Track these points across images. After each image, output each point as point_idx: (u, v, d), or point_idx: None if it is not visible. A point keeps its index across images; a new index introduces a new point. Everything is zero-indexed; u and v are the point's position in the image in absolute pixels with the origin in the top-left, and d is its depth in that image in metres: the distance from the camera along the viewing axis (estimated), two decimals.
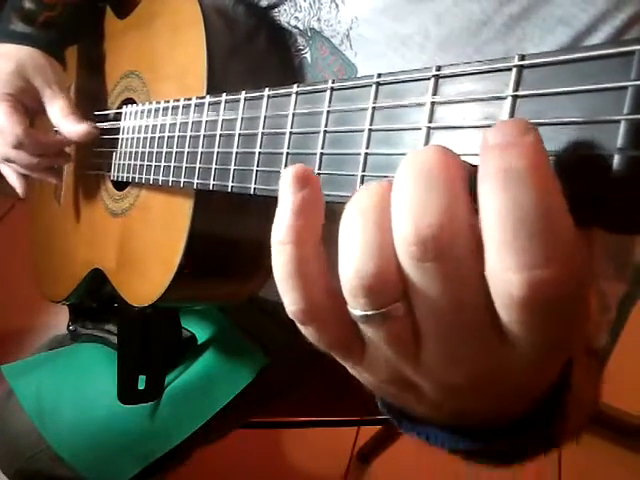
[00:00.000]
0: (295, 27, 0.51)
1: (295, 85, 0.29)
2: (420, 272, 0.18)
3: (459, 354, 0.20)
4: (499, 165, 0.16)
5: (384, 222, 0.18)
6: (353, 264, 0.18)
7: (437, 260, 0.17)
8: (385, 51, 0.45)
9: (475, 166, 0.17)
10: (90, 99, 0.66)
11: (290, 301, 0.21)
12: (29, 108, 0.59)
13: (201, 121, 0.39)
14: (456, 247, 0.17)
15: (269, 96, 0.32)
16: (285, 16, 0.52)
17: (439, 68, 0.22)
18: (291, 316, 0.21)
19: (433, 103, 0.22)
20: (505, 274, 0.16)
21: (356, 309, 0.20)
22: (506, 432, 0.25)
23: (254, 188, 0.33)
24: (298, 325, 0.21)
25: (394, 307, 0.19)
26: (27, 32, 0.60)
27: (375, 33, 0.46)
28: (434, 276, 0.18)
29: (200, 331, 0.70)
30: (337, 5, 0.48)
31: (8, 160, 0.59)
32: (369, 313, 0.19)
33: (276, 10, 0.53)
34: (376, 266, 0.18)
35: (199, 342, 0.69)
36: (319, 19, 0.49)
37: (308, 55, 0.51)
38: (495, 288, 0.17)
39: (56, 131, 0.62)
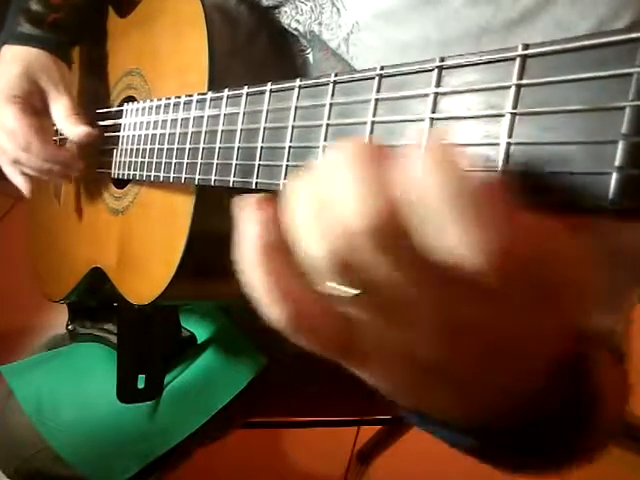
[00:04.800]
0: (295, 29, 0.52)
1: (298, 79, 0.29)
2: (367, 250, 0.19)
3: (444, 304, 0.20)
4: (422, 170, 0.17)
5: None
6: (322, 244, 0.19)
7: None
8: (385, 56, 0.46)
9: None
10: (92, 97, 0.66)
11: (272, 313, 0.21)
12: (38, 110, 0.59)
13: (203, 116, 0.39)
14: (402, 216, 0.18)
15: (271, 90, 0.32)
16: (286, 18, 0.52)
17: (443, 59, 0.22)
18: (279, 328, 0.22)
19: (436, 94, 0.22)
20: (451, 252, 0.17)
21: (335, 290, 0.20)
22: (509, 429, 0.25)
23: (256, 182, 0.33)
24: (290, 337, 0.22)
25: (369, 278, 0.19)
26: (35, 34, 0.60)
27: (375, 39, 0.46)
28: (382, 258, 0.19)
29: (200, 331, 0.70)
30: (339, 10, 0.48)
31: (16, 162, 0.59)
32: (347, 289, 0.20)
33: (277, 11, 0.53)
34: (342, 242, 0.19)
35: (199, 342, 0.69)
36: (320, 23, 0.49)
37: (310, 56, 0.51)
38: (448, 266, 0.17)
39: (56, 130, 0.62)
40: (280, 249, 0.21)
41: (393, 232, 0.18)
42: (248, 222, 0.21)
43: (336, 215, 0.19)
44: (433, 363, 0.22)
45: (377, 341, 0.22)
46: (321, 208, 0.19)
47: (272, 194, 0.22)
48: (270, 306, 0.21)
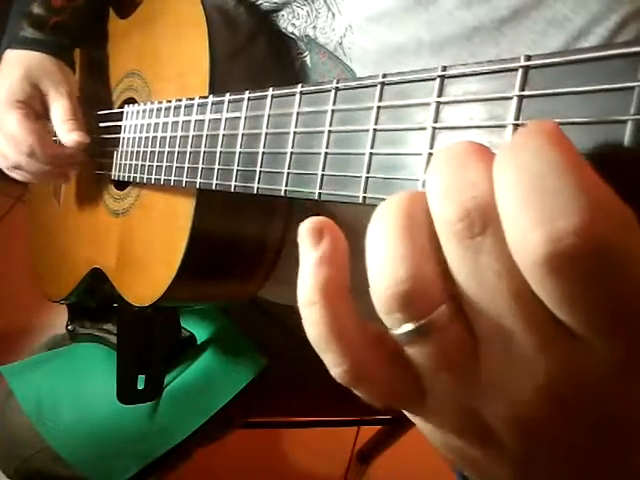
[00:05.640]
0: (292, 33, 0.52)
1: (299, 85, 0.29)
2: (469, 253, 0.16)
3: (525, 361, 0.16)
4: (509, 146, 0.15)
5: (410, 223, 0.17)
6: (383, 275, 0.17)
7: (486, 232, 0.15)
8: (380, 58, 0.46)
9: None
10: (94, 98, 0.66)
11: (331, 363, 0.19)
12: (40, 114, 0.59)
13: (204, 120, 0.39)
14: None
15: (273, 96, 0.32)
16: (283, 22, 0.52)
17: (445, 68, 0.22)
18: (337, 379, 0.19)
19: (439, 103, 0.22)
20: (523, 238, 0.14)
21: (397, 327, 0.17)
22: None
23: (257, 188, 0.33)
24: (347, 386, 0.19)
25: (438, 311, 0.17)
26: (37, 38, 0.60)
27: (369, 41, 0.46)
28: (485, 253, 0.16)
29: (200, 331, 0.70)
30: (334, 14, 0.48)
31: (18, 167, 0.59)
32: (412, 327, 0.17)
33: (274, 15, 0.53)
34: (409, 268, 0.16)
35: (199, 342, 0.69)
36: (315, 27, 0.49)
37: (308, 59, 0.51)
38: (518, 259, 0.15)
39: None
40: (341, 285, 0.18)
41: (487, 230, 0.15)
42: (308, 253, 0.18)
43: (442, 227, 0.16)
44: (507, 444, 0.18)
45: (435, 394, 0.19)
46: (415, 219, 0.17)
47: (328, 215, 0.20)
48: (328, 353, 0.18)
